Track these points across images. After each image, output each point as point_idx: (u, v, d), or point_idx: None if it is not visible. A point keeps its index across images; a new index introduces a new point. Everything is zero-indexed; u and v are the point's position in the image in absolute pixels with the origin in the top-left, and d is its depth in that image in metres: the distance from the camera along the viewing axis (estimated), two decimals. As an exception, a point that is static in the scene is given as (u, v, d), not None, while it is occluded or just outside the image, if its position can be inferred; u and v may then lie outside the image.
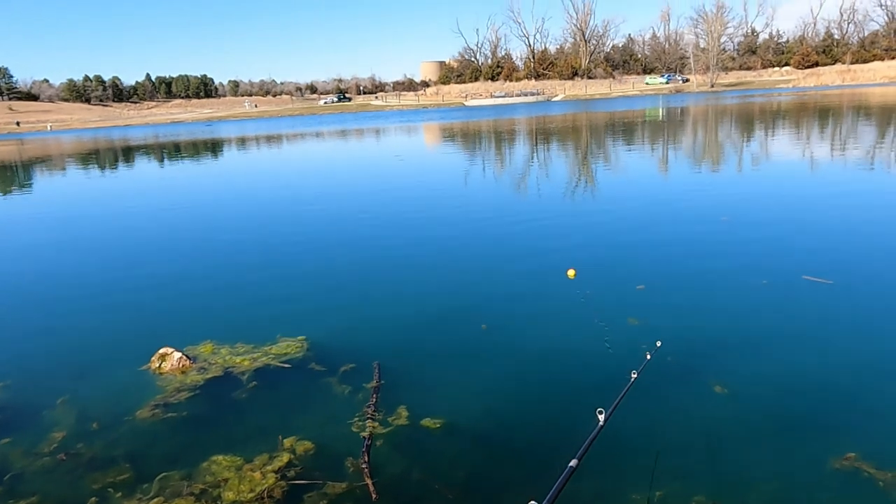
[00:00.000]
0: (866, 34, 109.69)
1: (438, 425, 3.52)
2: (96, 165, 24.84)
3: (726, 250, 6.76)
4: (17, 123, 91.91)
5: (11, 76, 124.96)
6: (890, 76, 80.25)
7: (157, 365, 4.46)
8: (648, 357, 3.33)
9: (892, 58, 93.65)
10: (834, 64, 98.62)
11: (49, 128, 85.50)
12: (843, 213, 8.31)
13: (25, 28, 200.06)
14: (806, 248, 6.66)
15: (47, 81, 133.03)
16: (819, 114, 29.43)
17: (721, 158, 15.46)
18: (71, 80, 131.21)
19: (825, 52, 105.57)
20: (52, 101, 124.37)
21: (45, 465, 3.37)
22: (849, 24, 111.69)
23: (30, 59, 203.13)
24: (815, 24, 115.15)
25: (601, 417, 2.57)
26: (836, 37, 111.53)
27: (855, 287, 5.42)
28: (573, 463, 2.19)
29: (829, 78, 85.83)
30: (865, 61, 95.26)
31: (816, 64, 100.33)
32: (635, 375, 3.02)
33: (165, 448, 3.48)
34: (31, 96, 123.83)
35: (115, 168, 23.47)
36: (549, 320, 5.06)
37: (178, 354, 4.50)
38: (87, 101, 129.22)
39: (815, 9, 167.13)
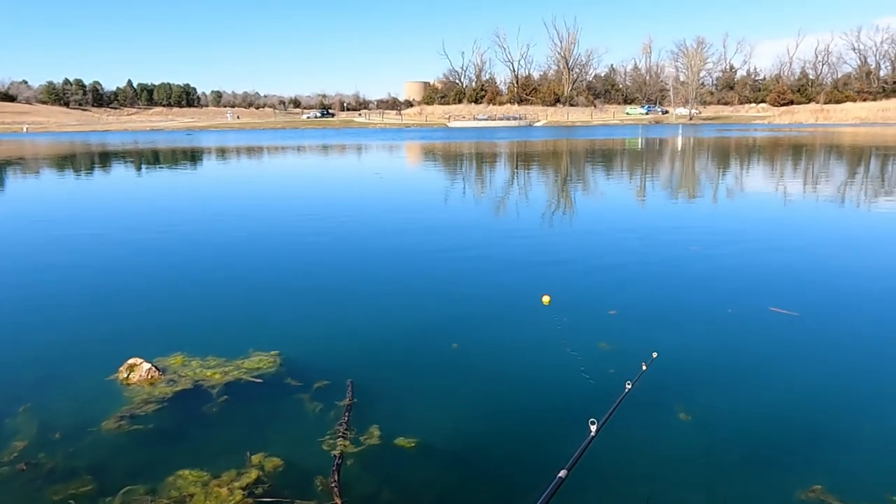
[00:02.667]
0: (839, 76, 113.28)
1: (411, 445, 3.49)
2: (70, 169, 24.48)
3: (694, 280, 6.85)
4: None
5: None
6: (861, 117, 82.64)
7: (125, 375, 4.37)
8: (644, 367, 3.30)
9: (864, 99, 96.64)
10: (808, 103, 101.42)
11: (25, 129, 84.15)
12: (811, 246, 8.50)
13: (4, 28, 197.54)
14: (774, 280, 6.78)
15: (26, 83, 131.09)
16: (792, 151, 30.15)
17: (695, 189, 15.73)
18: (50, 83, 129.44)
19: (800, 91, 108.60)
20: (30, 103, 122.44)
21: (4, 474, 3.26)
22: (823, 65, 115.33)
23: (8, 60, 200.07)
24: (791, 64, 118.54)
25: (593, 428, 2.51)
26: (811, 77, 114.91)
27: (821, 320, 5.53)
28: (562, 474, 2.14)
29: (804, 116, 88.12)
30: (838, 102, 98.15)
31: (791, 102, 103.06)
32: (629, 386, 2.97)
33: (130, 461, 3.40)
34: (7, 97, 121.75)
35: (89, 173, 23.14)
36: (522, 341, 5.07)
37: (147, 365, 4.41)
38: (66, 104, 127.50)
39: (792, 49, 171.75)
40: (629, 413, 3.64)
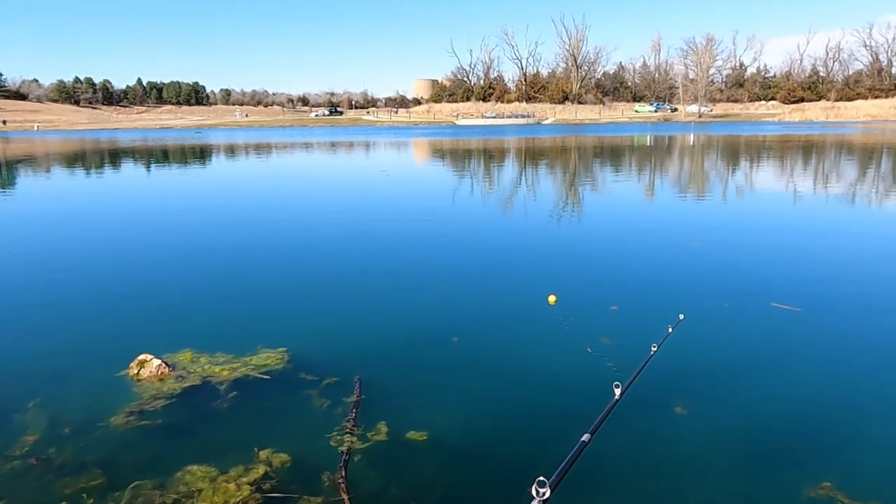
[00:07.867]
0: (851, 73, 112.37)
1: (419, 441, 3.50)
2: (81, 167, 24.62)
3: (697, 275, 6.82)
4: (4, 122, 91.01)
5: (0, 74, 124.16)
6: (872, 114, 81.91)
7: (136, 371, 4.40)
8: (670, 330, 3.28)
9: (876, 97, 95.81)
10: (819, 100, 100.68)
11: (36, 128, 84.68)
12: (814, 242, 8.45)
13: (15, 26, 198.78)
14: (775, 276, 6.75)
15: (36, 81, 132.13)
16: (802, 149, 29.93)
17: (701, 187, 15.65)
18: (61, 82, 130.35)
19: (810, 88, 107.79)
20: (41, 102, 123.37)
21: (15, 468, 3.30)
22: (834, 62, 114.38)
23: (19, 59, 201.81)
24: (801, 61, 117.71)
25: (617, 391, 2.51)
26: (821, 74, 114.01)
27: (823, 315, 5.51)
28: (585, 437, 2.15)
29: (814, 114, 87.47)
30: (849, 99, 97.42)
31: (802, 100, 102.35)
32: (655, 349, 2.96)
33: (139, 456, 3.42)
34: (19, 95, 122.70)
35: (100, 170, 23.27)
36: (527, 337, 5.07)
37: (157, 361, 4.45)
38: (77, 102, 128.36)
39: (802, 46, 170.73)
40: (631, 411, 3.64)
